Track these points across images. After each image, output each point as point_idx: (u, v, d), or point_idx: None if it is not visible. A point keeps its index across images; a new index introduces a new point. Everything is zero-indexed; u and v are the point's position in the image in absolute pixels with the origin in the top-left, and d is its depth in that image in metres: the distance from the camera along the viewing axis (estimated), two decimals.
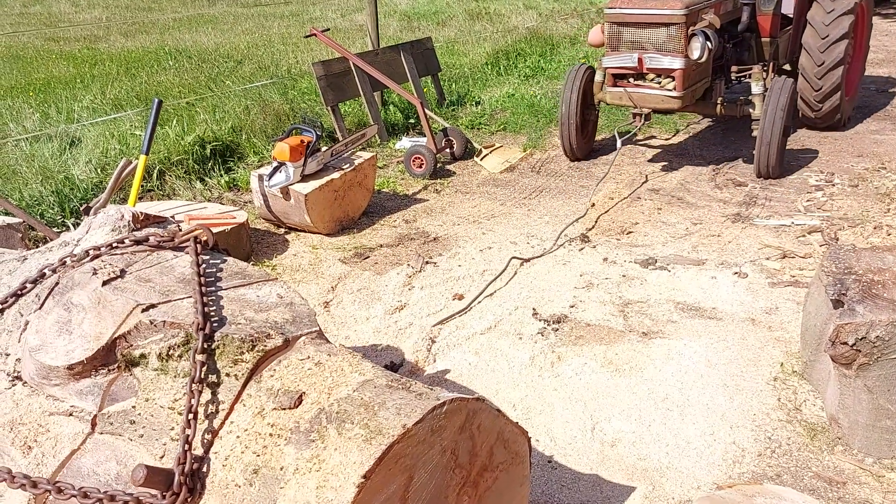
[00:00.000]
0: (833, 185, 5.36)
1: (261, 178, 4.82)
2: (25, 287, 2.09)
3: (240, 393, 1.69)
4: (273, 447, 1.56)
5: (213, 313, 1.83)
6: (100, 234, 2.22)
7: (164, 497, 1.55)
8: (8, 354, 1.96)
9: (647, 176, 5.88)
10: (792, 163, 5.85)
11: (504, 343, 3.40)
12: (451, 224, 5.06)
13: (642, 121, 5.56)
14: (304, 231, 4.98)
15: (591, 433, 2.72)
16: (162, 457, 1.65)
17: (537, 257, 4.41)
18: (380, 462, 1.44)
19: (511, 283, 4.03)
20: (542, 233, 4.75)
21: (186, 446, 1.59)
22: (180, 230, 2.21)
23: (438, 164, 6.14)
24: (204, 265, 2.02)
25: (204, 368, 1.69)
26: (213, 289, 1.94)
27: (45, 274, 2.09)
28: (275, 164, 4.76)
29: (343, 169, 4.98)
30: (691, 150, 6.44)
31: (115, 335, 1.77)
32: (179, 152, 5.82)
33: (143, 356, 1.77)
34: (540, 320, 3.59)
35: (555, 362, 3.20)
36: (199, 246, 2.08)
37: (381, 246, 4.75)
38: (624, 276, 4.05)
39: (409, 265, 4.39)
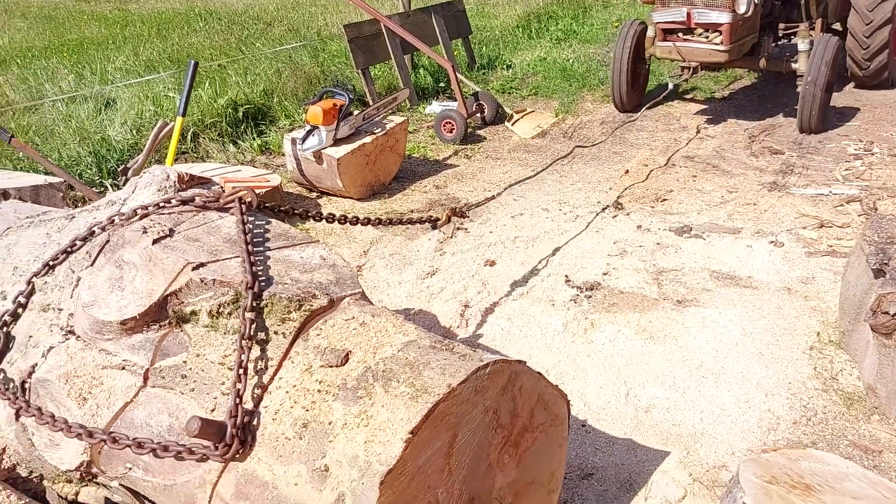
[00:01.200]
0: (872, 154, 5.25)
1: (294, 141, 4.83)
2: (75, 244, 2.14)
3: (287, 350, 1.73)
4: (321, 403, 1.59)
5: (260, 273, 1.86)
6: (146, 194, 2.26)
7: (216, 448, 1.60)
8: (61, 309, 2.02)
9: (698, 128, 5.93)
10: (830, 131, 5.74)
11: (536, 309, 3.41)
12: (481, 190, 5.05)
13: (690, 74, 5.76)
14: (336, 195, 5.00)
15: (624, 399, 2.74)
16: (213, 410, 1.70)
17: (597, 144, 5.03)
18: (426, 419, 1.47)
19: (543, 250, 4.03)
20: (575, 199, 4.73)
21: (238, 400, 1.63)
22: (223, 191, 2.24)
23: (469, 129, 6.11)
24: (249, 225, 2.05)
25: (253, 326, 1.73)
26: (260, 249, 1.97)
27: (94, 232, 2.13)
28: (308, 127, 4.77)
29: (375, 133, 4.98)
30: (727, 118, 6.33)
31: (167, 292, 1.81)
32: (213, 115, 5.85)
33: (193, 313, 1.81)
34: (573, 287, 3.59)
35: (588, 329, 3.22)
36: (243, 207, 2.11)
37: (412, 211, 4.76)
38: (658, 243, 4.03)
39: (440, 231, 4.40)
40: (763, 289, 3.51)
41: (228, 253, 1.94)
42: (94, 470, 1.88)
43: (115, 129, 5.50)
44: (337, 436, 1.53)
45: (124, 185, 4.37)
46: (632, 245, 4.03)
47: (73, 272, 2.05)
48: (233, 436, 1.60)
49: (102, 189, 4.78)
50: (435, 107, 6.84)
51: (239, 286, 1.80)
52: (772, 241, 4.00)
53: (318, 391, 1.62)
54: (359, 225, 2.55)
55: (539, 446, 1.82)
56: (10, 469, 2.11)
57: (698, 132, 6.01)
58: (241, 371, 1.67)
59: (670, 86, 6.11)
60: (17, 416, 1.99)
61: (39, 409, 1.85)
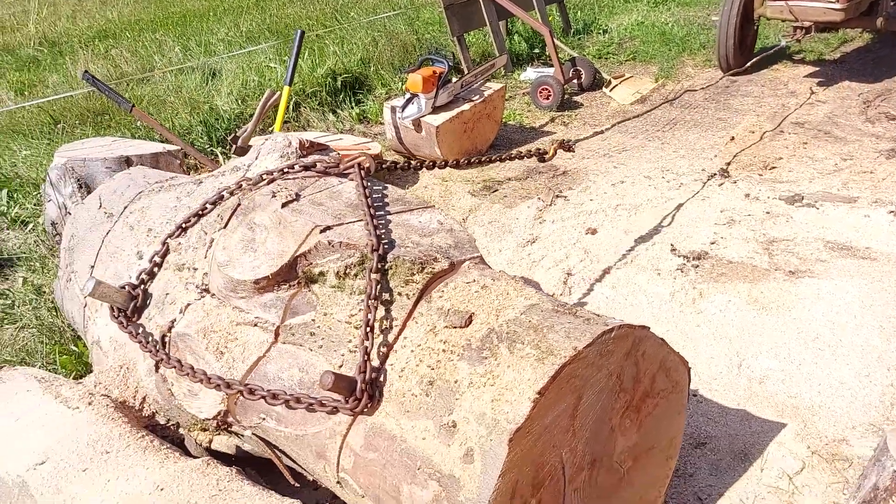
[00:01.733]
0: None
1: (393, 109, 4.89)
2: (206, 208, 2.26)
3: (411, 311, 1.78)
4: (447, 362, 1.64)
5: (383, 236, 1.91)
6: (269, 160, 2.35)
7: (347, 402, 1.67)
8: (195, 269, 2.14)
9: (811, 89, 5.63)
10: None
11: (642, 278, 3.37)
12: (579, 158, 4.98)
13: (803, 35, 5.47)
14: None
15: (737, 369, 2.68)
16: (340, 366, 1.78)
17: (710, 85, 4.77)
18: (553, 381, 1.49)
19: (646, 219, 3.96)
20: (679, 167, 4.60)
21: (366, 357, 1.69)
22: (341, 157, 2.30)
23: (565, 96, 6.02)
24: (369, 190, 2.11)
25: (378, 287, 1.79)
26: (381, 213, 2.03)
27: (223, 196, 2.25)
28: (407, 95, 4.81)
29: (473, 100, 4.98)
30: (838, 82, 5.99)
31: (297, 253, 1.89)
32: (313, 84, 5.98)
33: (321, 274, 1.89)
34: (679, 256, 3.52)
35: (696, 299, 3.15)
36: (362, 172, 2.17)
37: (510, 179, 4.75)
38: (768, 212, 3.89)
39: (539, 198, 4.38)
40: (883, 260, 3.35)
41: (351, 217, 2.00)
42: (230, 419, 2.00)
43: (221, 99, 5.71)
44: (463, 394, 1.57)
45: (234, 153, 4.55)
46: (740, 214, 3.90)
47: (206, 234, 2.17)
48: (362, 390, 1.66)
49: (213, 156, 4.99)
50: (530, 73, 6.76)
51: (364, 248, 1.86)
52: (891, 211, 3.79)
53: (443, 351, 1.67)
54: (469, 167, 2.57)
55: (659, 412, 1.82)
56: (149, 417, 2.27)
57: (812, 93, 5.71)
58: (367, 329, 1.74)
59: (783, 42, 5.81)
60: (157, 367, 2.14)
61: (179, 361, 1.98)
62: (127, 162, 3.91)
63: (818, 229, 3.67)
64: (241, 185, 2.22)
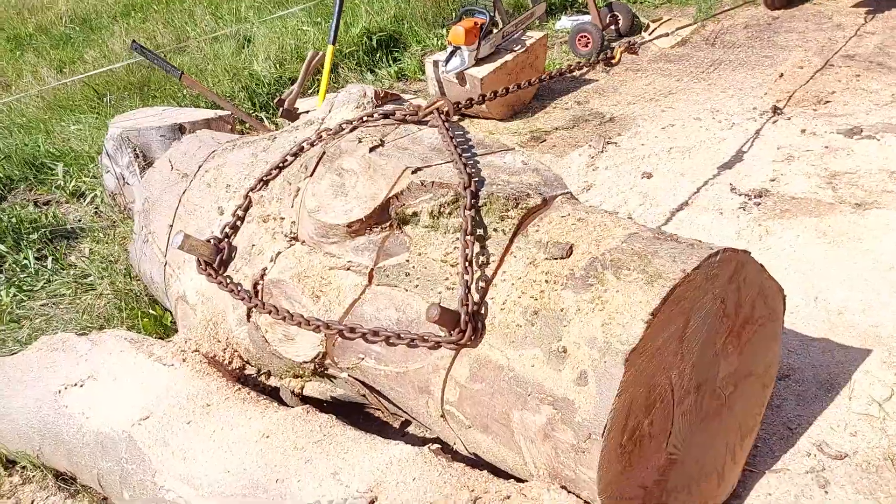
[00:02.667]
0: None
1: (436, 63, 4.86)
2: (286, 160, 2.28)
3: (508, 246, 1.80)
4: (550, 292, 1.66)
5: (473, 174, 1.92)
6: (345, 112, 2.37)
7: (451, 334, 1.70)
8: (283, 218, 2.18)
9: (866, 19, 5.52)
10: None
11: (705, 218, 3.35)
12: (625, 103, 4.92)
13: None
14: (478, 117, 5.01)
15: (814, 302, 2.67)
16: (438, 304, 1.80)
17: None
18: (664, 302, 1.51)
19: (701, 160, 3.92)
20: (728, 107, 4.53)
21: (466, 290, 1.72)
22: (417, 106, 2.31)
23: (604, 42, 5.92)
24: (451, 132, 2.11)
25: (473, 223, 1.81)
26: (467, 155, 2.04)
27: (303, 147, 2.27)
28: (450, 48, 4.77)
29: (515, 50, 4.93)
30: (884, 11, 5.83)
31: (389, 195, 1.91)
32: (349, 44, 5.95)
33: (414, 214, 1.91)
34: (739, 195, 3.49)
35: (763, 235, 3.13)
36: (443, 115, 2.17)
37: (557, 129, 4.72)
38: (826, 147, 3.83)
39: (589, 146, 4.35)
40: None
41: (438, 159, 2.01)
42: (327, 362, 2.05)
43: (259, 64, 5.71)
44: (570, 321, 1.59)
45: (281, 116, 4.56)
46: (798, 150, 3.85)
47: (290, 184, 2.19)
48: (466, 322, 1.69)
49: (259, 121, 5.00)
50: (565, 22, 6.65)
51: (457, 187, 1.87)
52: None
53: (546, 281, 1.69)
54: (534, 86, 2.57)
55: (757, 339, 1.83)
56: (239, 369, 2.33)
57: (866, 22, 5.56)
58: (466, 265, 1.76)
59: None
60: (249, 316, 2.19)
61: (275, 306, 2.02)
62: (180, 129, 3.94)
63: (881, 160, 3.61)
64: (322, 136, 2.24)
